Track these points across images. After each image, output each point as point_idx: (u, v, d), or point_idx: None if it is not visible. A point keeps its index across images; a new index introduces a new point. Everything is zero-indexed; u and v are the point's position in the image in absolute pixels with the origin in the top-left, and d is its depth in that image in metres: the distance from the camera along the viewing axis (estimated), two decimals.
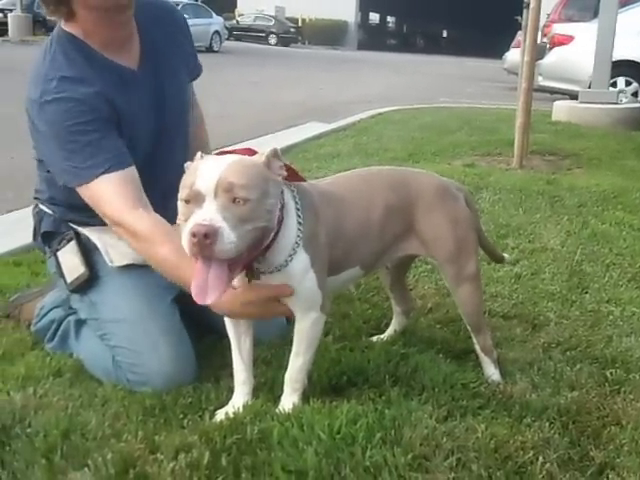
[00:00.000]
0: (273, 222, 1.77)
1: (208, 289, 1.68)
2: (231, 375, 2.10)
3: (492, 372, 2.25)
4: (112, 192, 2.06)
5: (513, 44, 14.92)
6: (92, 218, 2.20)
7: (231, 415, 1.96)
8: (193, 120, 2.51)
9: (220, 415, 1.99)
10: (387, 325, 2.60)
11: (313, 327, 1.99)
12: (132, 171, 2.11)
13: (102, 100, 2.11)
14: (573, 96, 9.51)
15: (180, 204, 1.70)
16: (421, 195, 2.14)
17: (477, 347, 2.26)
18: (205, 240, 1.60)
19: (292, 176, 1.89)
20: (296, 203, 1.89)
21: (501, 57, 16.76)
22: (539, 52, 8.21)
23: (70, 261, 2.25)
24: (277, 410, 1.99)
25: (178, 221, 1.71)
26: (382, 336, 2.52)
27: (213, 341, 2.32)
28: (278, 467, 1.75)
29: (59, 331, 2.38)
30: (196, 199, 1.65)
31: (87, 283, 2.24)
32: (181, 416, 1.99)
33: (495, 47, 23.62)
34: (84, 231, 2.28)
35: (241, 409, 2.00)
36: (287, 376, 2.03)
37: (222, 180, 1.65)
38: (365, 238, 2.07)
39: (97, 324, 2.24)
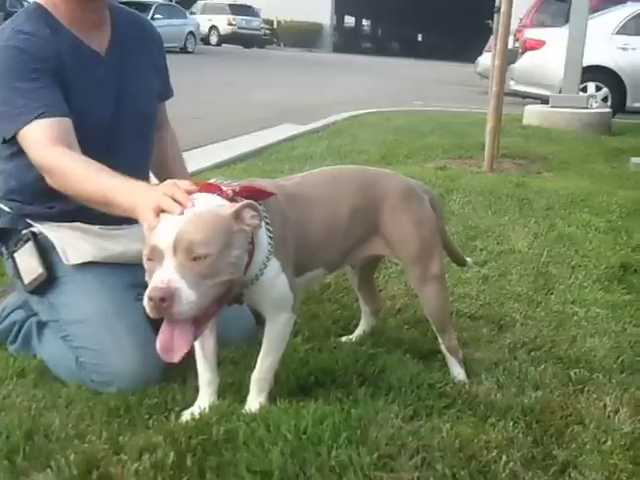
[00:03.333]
0: (240, 272, 1.77)
1: (174, 348, 1.71)
2: (196, 375, 2.08)
3: (458, 372, 2.27)
4: (40, 134, 2.02)
5: (486, 48, 15.05)
6: (50, 209, 2.18)
7: (197, 415, 1.95)
8: (166, 140, 2.52)
9: (186, 416, 1.98)
10: (356, 326, 2.61)
11: (284, 327, 1.99)
12: (67, 122, 2.09)
13: (51, 55, 2.12)
14: (544, 100, 9.62)
15: (144, 261, 1.72)
16: (387, 197, 2.15)
17: (443, 347, 2.28)
18: (162, 303, 1.60)
19: (260, 194, 1.88)
20: (265, 217, 1.87)
21: (474, 61, 16.91)
22: (511, 56, 8.32)
23: (27, 262, 2.22)
24: (243, 410, 1.98)
25: (147, 279, 1.72)
26: (351, 336, 2.52)
27: None
28: (243, 467, 1.74)
29: (21, 333, 2.35)
30: (156, 257, 1.66)
31: (45, 284, 2.21)
32: (146, 416, 1.98)
33: (469, 51, 23.84)
34: (42, 228, 2.25)
35: (207, 410, 1.99)
36: (254, 376, 2.03)
37: (180, 237, 1.63)
38: (330, 240, 2.07)
39: (58, 326, 2.21)
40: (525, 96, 11.31)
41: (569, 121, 8.45)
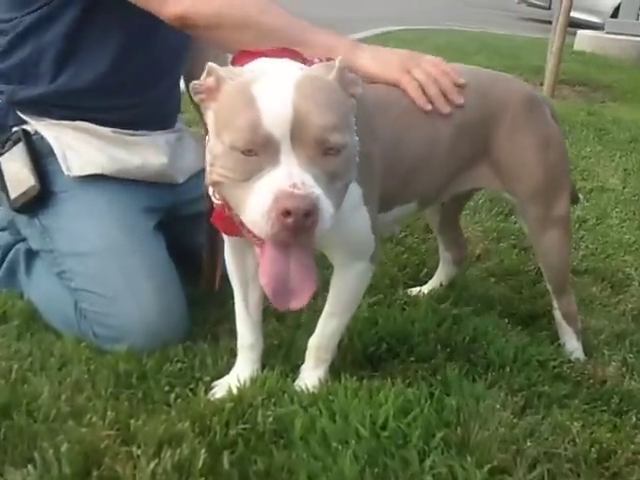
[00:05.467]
0: (355, 172, 1.24)
1: (297, 287, 1.17)
2: (233, 333, 1.56)
3: (575, 346, 1.73)
4: None
5: None
6: (53, 101, 1.64)
7: (235, 392, 1.43)
8: None
9: (220, 390, 1.47)
10: (427, 275, 2.07)
11: (358, 281, 1.45)
12: None
13: None
14: (592, 28, 8.82)
15: (226, 155, 1.14)
16: (505, 108, 1.57)
17: (557, 313, 1.74)
18: (306, 220, 1.07)
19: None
20: None
21: None
22: None
23: (15, 170, 1.66)
24: (298, 387, 1.46)
25: (219, 179, 1.17)
26: (424, 289, 1.98)
27: None
28: (304, 476, 1.24)
29: (5, 262, 1.82)
30: (266, 149, 1.10)
31: (38, 201, 1.66)
32: (167, 388, 1.47)
33: None
34: (38, 127, 1.68)
35: (248, 383, 1.47)
36: (313, 342, 1.50)
37: (303, 119, 1.10)
38: (428, 163, 1.51)
39: (52, 258, 1.68)
40: (571, 24, 10.43)
41: (624, 49, 7.69)
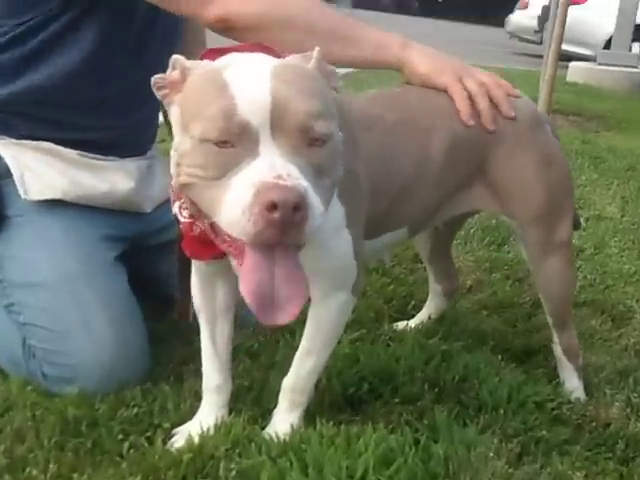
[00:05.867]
0: (340, 172, 1.10)
1: (282, 301, 1.01)
2: (199, 373, 1.40)
3: (575, 385, 1.58)
4: None
5: (518, 6, 14.13)
6: (16, 116, 1.53)
7: (196, 441, 1.27)
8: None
9: (179, 439, 1.31)
10: (415, 308, 1.92)
11: (338, 314, 1.30)
12: None
13: None
14: (584, 60, 8.80)
15: (196, 150, 1.00)
16: (508, 124, 1.43)
17: (558, 348, 1.58)
18: (295, 215, 0.93)
19: None
20: None
21: (500, 24, 15.92)
22: (547, 13, 7.48)
23: None
24: (267, 435, 1.30)
25: (188, 179, 1.03)
26: (411, 323, 1.83)
27: (174, 321, 1.59)
28: None
29: None
30: (242, 139, 0.97)
31: None
32: (120, 437, 1.31)
33: (491, 10, 22.78)
34: None
35: (212, 431, 1.31)
36: (287, 383, 1.34)
37: (284, 106, 0.98)
38: (420, 183, 1.37)
39: (2, 288, 1.53)
40: (562, 57, 10.43)
41: (617, 80, 7.64)
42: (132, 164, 1.67)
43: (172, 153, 1.05)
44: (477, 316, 1.90)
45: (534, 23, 10.73)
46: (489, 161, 1.43)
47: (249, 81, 0.99)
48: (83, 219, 1.56)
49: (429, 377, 1.53)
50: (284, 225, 0.92)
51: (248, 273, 1.00)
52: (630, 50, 9.13)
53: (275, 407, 1.36)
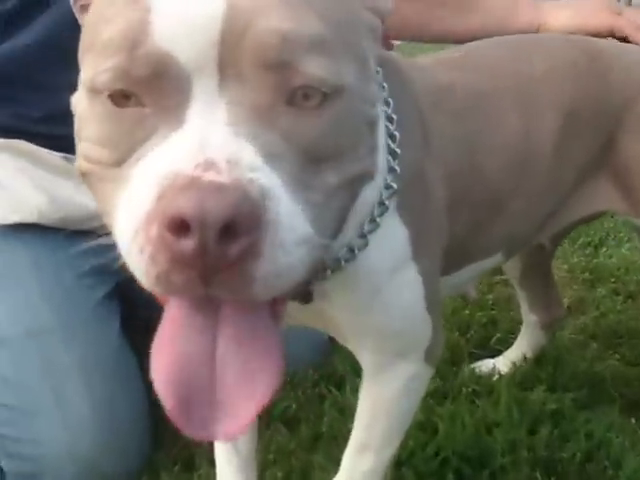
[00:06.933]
0: (376, 154, 0.64)
1: (224, 404, 0.55)
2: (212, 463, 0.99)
3: None
4: None
5: None
6: None
7: None
8: None
9: None
10: (500, 341, 1.47)
11: (404, 394, 0.86)
12: None
13: None
14: None
15: (89, 112, 0.57)
16: (638, 91, 0.98)
17: None
18: (227, 246, 0.48)
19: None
20: (386, 104, 0.74)
21: None
22: None
23: None
24: None
25: (85, 165, 0.59)
26: (499, 364, 1.39)
27: None
28: None
29: None
30: (156, 90, 0.53)
31: None
32: None
33: None
34: None
35: None
36: None
37: (248, 20, 0.52)
38: (524, 185, 0.93)
39: None
40: None
41: None
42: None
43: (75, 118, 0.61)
44: (586, 351, 1.43)
45: None
46: (615, 144, 0.97)
47: None
48: (62, 248, 1.15)
49: (538, 456, 1.09)
50: (205, 265, 0.48)
51: (164, 343, 0.56)
52: None
53: None
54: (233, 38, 0.51)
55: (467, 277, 0.98)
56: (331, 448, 1.10)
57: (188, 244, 0.47)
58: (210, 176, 0.48)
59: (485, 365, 1.39)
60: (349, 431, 1.12)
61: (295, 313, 0.75)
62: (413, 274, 0.78)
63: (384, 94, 0.75)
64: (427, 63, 0.94)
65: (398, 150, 0.74)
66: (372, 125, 0.61)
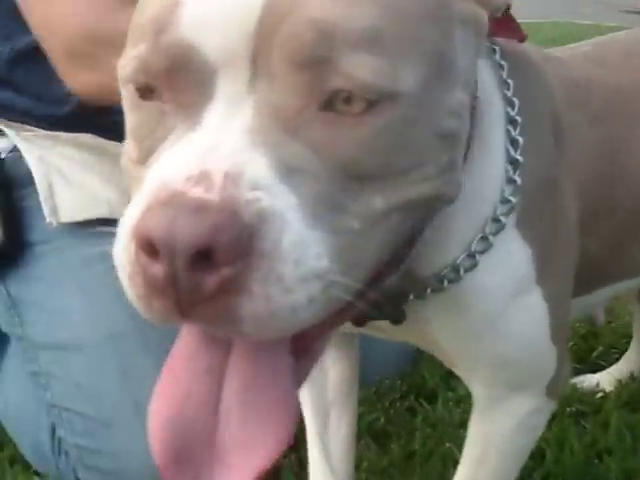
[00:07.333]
0: (456, 173, 0.53)
1: (223, 460, 0.47)
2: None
3: None
4: None
5: None
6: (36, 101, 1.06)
7: None
8: None
9: None
10: (601, 355, 1.35)
11: (521, 431, 0.76)
12: None
13: None
14: None
15: (123, 98, 0.52)
16: None
17: None
18: (203, 276, 0.41)
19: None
20: (510, 104, 0.65)
21: None
22: None
23: None
24: None
25: (123, 160, 0.55)
26: (603, 381, 1.27)
27: None
28: None
29: None
30: (174, 83, 0.46)
31: (3, 260, 1.06)
32: None
33: None
34: (17, 141, 1.09)
35: None
36: None
37: (289, 7, 0.44)
38: None
39: (24, 347, 1.07)
40: None
41: None
42: None
43: None
44: None
45: None
46: None
47: None
48: None
49: None
50: (178, 295, 0.41)
51: (168, 379, 0.50)
52: None
53: None
54: (268, 30, 0.44)
55: (598, 301, 0.87)
56: (427, 468, 1.02)
57: (158, 269, 0.41)
58: (197, 192, 0.41)
59: (588, 381, 1.28)
60: (445, 450, 1.04)
61: (391, 330, 0.68)
62: (537, 300, 0.68)
63: (508, 93, 0.65)
64: (563, 56, 0.83)
65: (520, 158, 0.64)
66: (451, 139, 0.51)
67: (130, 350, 1.01)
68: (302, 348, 0.50)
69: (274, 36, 0.44)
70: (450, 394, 1.17)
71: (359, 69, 0.44)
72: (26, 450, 1.06)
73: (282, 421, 0.47)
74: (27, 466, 1.05)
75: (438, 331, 0.69)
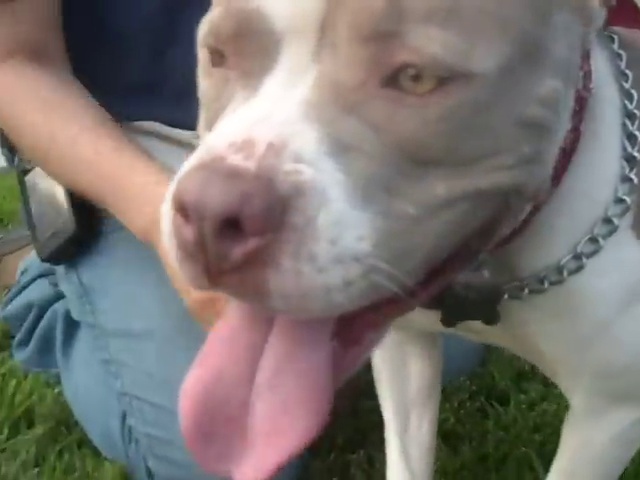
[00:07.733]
0: (542, 166, 0.50)
1: (253, 441, 0.46)
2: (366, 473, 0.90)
3: None
4: None
5: None
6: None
7: None
8: None
9: None
10: None
11: (621, 441, 0.72)
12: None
13: None
14: None
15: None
16: None
17: None
18: (227, 243, 0.40)
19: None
20: (627, 97, 0.61)
21: None
22: None
23: (45, 197, 1.06)
24: None
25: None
26: None
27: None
28: None
29: (38, 328, 1.22)
30: (240, 50, 0.46)
31: (76, 245, 1.05)
32: None
33: None
34: None
35: None
36: None
37: None
38: None
39: (94, 336, 1.07)
40: None
41: None
42: None
43: None
44: None
45: None
46: None
47: None
48: None
49: None
50: (207, 262, 0.41)
51: (206, 353, 0.50)
52: None
53: None
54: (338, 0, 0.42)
55: None
56: (504, 473, 0.99)
57: (189, 233, 0.40)
58: (235, 159, 0.40)
59: None
60: (521, 454, 1.01)
61: (486, 332, 0.67)
62: None
63: (626, 85, 0.62)
64: None
65: (638, 155, 0.60)
66: (537, 129, 0.47)
67: (203, 340, 0.99)
68: (350, 337, 0.48)
69: (343, 6, 0.42)
70: (522, 396, 1.14)
71: (429, 43, 0.41)
72: (95, 436, 1.06)
73: (312, 408, 0.46)
74: (96, 451, 1.05)
75: (539, 335, 0.66)
